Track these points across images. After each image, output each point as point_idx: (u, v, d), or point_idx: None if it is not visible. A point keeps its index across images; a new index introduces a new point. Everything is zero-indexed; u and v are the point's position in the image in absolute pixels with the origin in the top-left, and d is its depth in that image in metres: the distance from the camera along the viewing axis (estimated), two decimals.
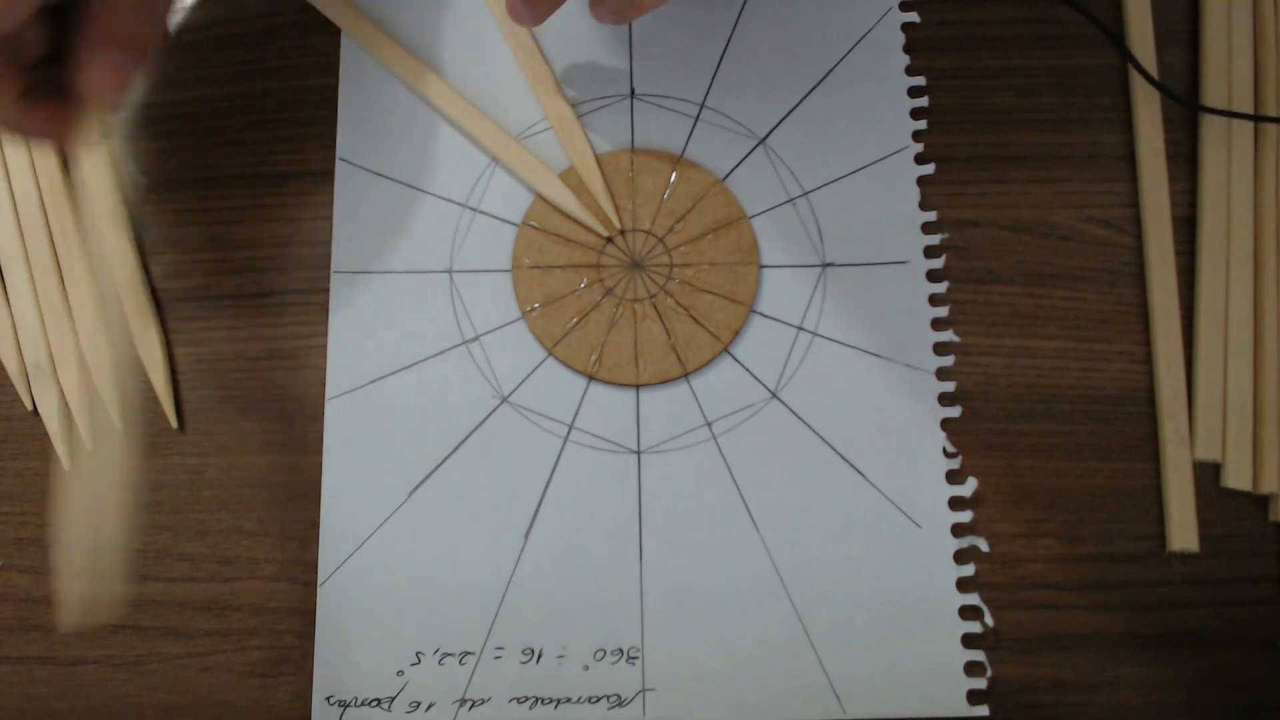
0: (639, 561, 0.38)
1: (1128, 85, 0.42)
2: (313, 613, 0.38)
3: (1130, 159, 0.42)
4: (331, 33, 0.43)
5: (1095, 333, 0.40)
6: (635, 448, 0.39)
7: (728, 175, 0.41)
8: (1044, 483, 0.39)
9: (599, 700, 0.37)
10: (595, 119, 0.42)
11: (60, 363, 0.40)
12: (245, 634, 0.38)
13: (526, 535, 0.38)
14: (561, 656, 0.38)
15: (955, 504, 0.38)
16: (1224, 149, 0.41)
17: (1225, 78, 0.41)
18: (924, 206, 0.41)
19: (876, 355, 0.40)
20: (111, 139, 0.42)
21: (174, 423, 0.39)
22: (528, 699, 0.37)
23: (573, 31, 0.43)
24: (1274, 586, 0.38)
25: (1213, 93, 0.41)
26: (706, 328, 0.40)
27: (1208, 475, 0.39)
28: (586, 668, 0.37)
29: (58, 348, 0.40)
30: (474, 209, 0.41)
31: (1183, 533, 0.38)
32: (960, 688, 0.37)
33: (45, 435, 0.40)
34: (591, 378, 0.40)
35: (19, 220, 0.41)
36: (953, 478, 0.39)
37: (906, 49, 0.42)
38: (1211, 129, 0.41)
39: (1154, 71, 0.42)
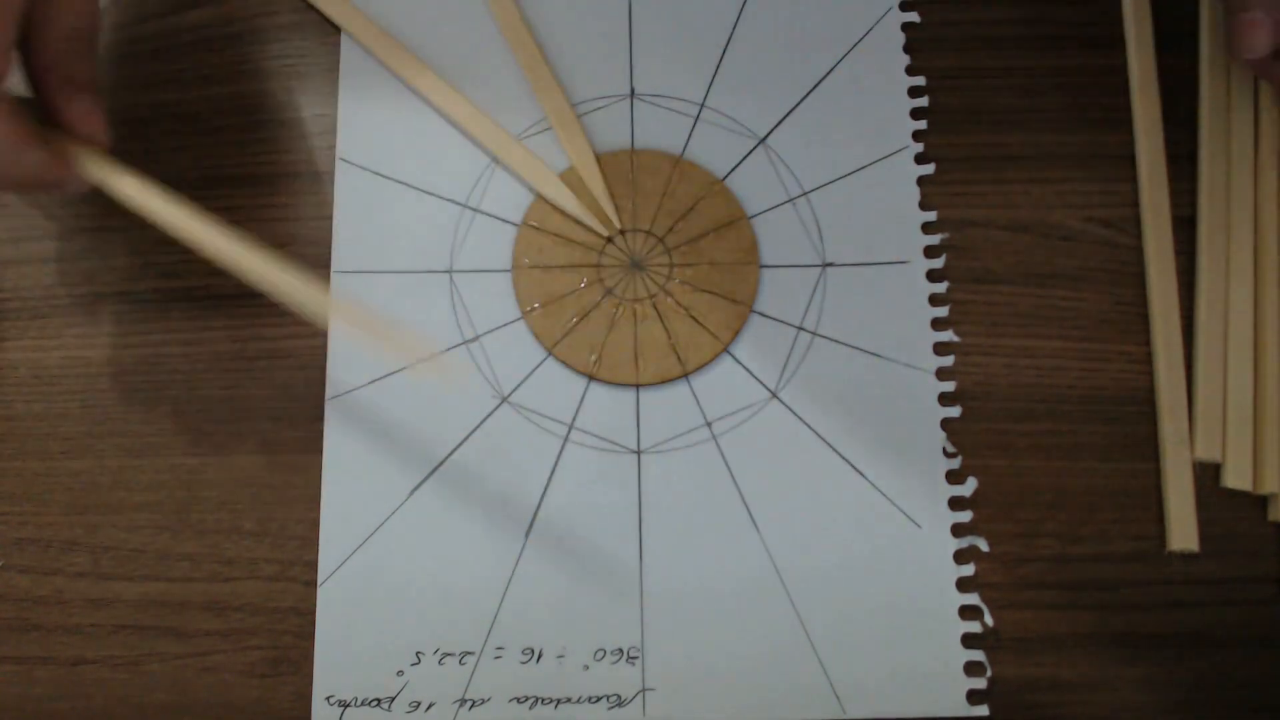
0: (639, 561, 0.38)
1: (1128, 85, 0.42)
2: (313, 613, 0.38)
3: (1131, 159, 0.42)
4: (331, 33, 0.43)
5: (1096, 333, 0.40)
6: (635, 448, 0.39)
7: (728, 175, 0.41)
8: (1044, 483, 0.39)
9: (599, 700, 0.37)
10: (595, 119, 0.42)
11: None
12: (245, 634, 0.38)
13: (526, 535, 0.38)
14: (561, 656, 0.37)
15: (955, 504, 0.38)
16: (1223, 146, 0.41)
17: (1224, 77, 0.41)
18: (924, 206, 0.41)
19: (876, 355, 0.40)
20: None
21: None
22: (528, 699, 0.37)
23: (573, 32, 0.43)
24: (1274, 586, 0.38)
25: (1211, 93, 0.41)
26: (706, 328, 0.40)
27: (1208, 475, 0.39)
28: (586, 668, 0.37)
29: None
30: (474, 209, 0.41)
31: (1182, 533, 0.38)
32: (960, 687, 0.37)
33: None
34: (591, 378, 0.40)
35: None
36: (953, 478, 0.39)
37: (906, 49, 0.42)
38: (1211, 125, 0.41)
39: (1153, 73, 0.42)
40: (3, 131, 0.33)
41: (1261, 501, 0.39)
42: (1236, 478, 0.38)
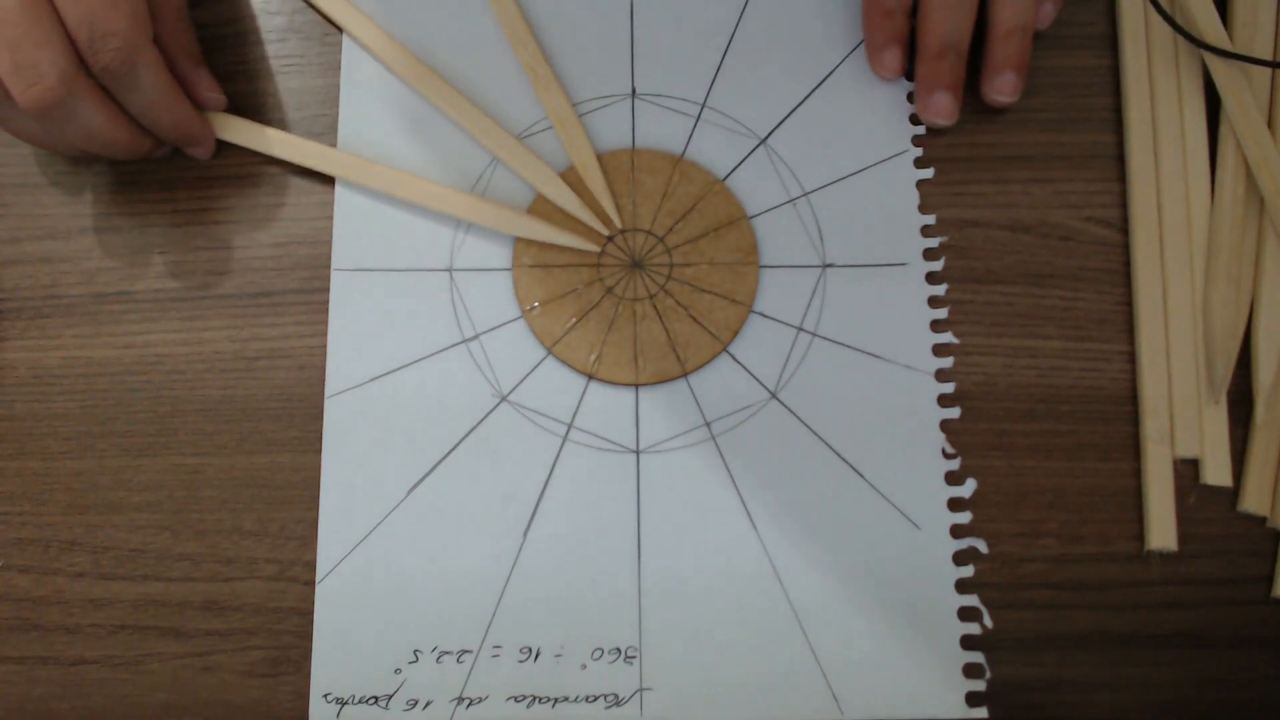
0: (637, 561, 0.38)
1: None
2: (312, 612, 0.38)
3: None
4: (331, 33, 0.43)
5: (1095, 333, 0.40)
6: (634, 447, 0.39)
7: (728, 175, 0.41)
8: (1044, 483, 0.39)
9: (596, 699, 0.37)
10: (596, 118, 0.42)
11: None
12: (245, 634, 0.38)
13: (525, 534, 0.38)
14: (559, 655, 0.37)
15: (954, 505, 0.38)
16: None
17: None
18: (924, 208, 0.41)
19: (876, 356, 0.40)
20: None
21: None
22: (525, 698, 0.37)
23: (574, 31, 0.43)
24: (1271, 587, 0.38)
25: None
26: (706, 328, 0.40)
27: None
28: (584, 667, 0.37)
29: None
30: None
31: (1162, 531, 0.38)
32: (959, 689, 0.37)
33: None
34: (591, 377, 0.40)
35: None
36: (952, 479, 0.39)
37: None
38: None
39: (1145, 73, 0.42)
40: (164, 79, 0.38)
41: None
42: (1215, 475, 0.38)
